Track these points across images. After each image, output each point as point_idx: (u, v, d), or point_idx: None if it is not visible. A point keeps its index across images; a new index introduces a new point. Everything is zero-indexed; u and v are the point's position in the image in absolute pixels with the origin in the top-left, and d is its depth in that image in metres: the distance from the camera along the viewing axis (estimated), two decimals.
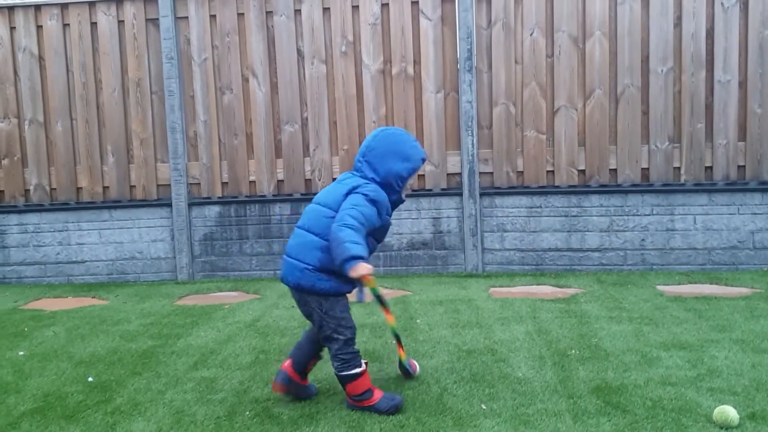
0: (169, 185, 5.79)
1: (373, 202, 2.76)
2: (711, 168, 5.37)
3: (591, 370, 3.22)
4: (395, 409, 2.76)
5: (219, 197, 5.79)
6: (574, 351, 3.50)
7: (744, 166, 5.33)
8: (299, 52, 5.66)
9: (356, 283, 2.73)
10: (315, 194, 5.69)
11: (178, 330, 4.20)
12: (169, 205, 5.80)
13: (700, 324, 3.92)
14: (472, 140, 5.52)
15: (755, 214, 5.32)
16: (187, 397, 3.07)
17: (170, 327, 4.28)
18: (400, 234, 5.64)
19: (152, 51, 5.75)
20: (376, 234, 2.87)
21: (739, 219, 5.34)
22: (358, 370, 2.79)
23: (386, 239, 5.62)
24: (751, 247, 5.34)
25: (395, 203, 2.92)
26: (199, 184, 5.80)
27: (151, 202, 5.83)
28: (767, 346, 3.48)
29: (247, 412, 2.85)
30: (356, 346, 2.84)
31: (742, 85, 5.30)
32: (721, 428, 2.55)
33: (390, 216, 2.89)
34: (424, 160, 2.91)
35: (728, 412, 2.58)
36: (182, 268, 5.80)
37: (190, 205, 5.80)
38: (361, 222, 2.67)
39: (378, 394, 2.81)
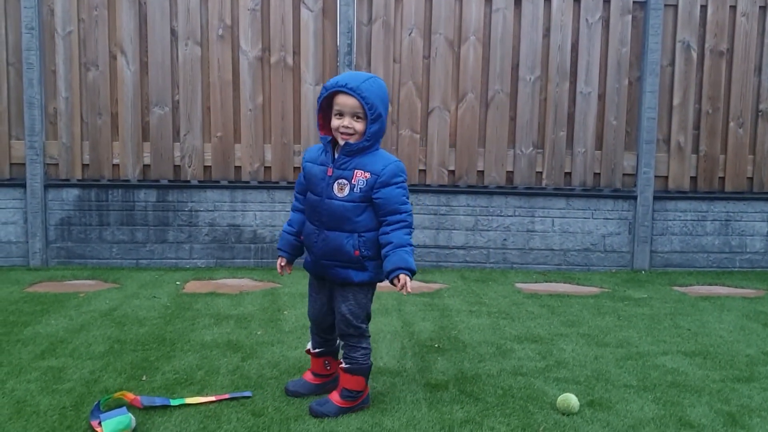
0: (24, 164, 5.39)
1: None
2: (570, 174, 5.70)
3: (449, 360, 3.33)
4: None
5: (79, 180, 5.46)
6: (434, 343, 3.61)
7: (599, 174, 5.71)
8: (173, 32, 5.45)
9: None
10: (184, 181, 5.63)
11: (25, 318, 3.91)
12: (23, 186, 5.40)
13: (552, 319, 4.16)
14: None
15: (607, 219, 5.72)
16: (30, 386, 2.88)
17: (17, 314, 3.98)
18: (270, 226, 5.57)
19: (11, 20, 5.32)
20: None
21: (592, 223, 5.71)
22: None
23: (260, 231, 5.58)
24: (602, 250, 5.73)
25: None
26: (57, 164, 5.44)
27: (2, 181, 5.40)
28: (609, 340, 3.75)
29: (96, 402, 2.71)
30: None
31: (601, 97, 5.67)
32: (563, 414, 2.72)
33: (317, 164, 2.73)
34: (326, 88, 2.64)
35: (570, 399, 2.76)
36: (35, 253, 5.42)
37: (47, 186, 5.43)
38: None
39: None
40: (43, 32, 5.35)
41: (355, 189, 2.61)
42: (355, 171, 2.62)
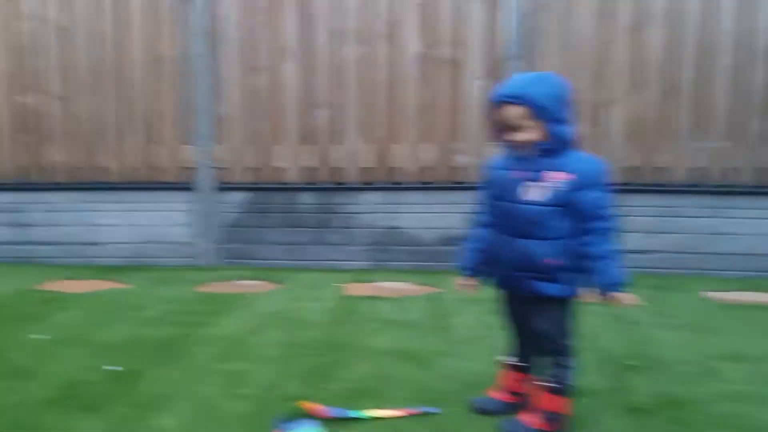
0: (194, 168, 5.59)
1: None
2: None
3: (648, 380, 2.98)
4: None
5: (245, 182, 5.58)
6: (626, 359, 3.25)
7: None
8: (336, 33, 5.41)
9: None
10: (343, 183, 5.59)
11: (200, 318, 3.99)
12: (193, 189, 5.60)
13: (756, 334, 3.65)
14: None
15: None
16: (212, 390, 2.87)
17: (192, 315, 4.07)
18: (429, 228, 5.41)
19: (182, 27, 5.53)
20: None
21: None
22: None
23: (417, 233, 5.44)
24: None
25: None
26: (224, 168, 5.59)
27: (174, 184, 5.63)
28: None
29: (279, 409, 2.63)
30: None
31: None
32: None
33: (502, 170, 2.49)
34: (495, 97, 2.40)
35: None
36: (204, 254, 5.60)
37: (215, 189, 5.59)
38: None
39: None
40: (212, 38, 5.50)
41: (548, 192, 2.34)
42: (549, 173, 2.34)
